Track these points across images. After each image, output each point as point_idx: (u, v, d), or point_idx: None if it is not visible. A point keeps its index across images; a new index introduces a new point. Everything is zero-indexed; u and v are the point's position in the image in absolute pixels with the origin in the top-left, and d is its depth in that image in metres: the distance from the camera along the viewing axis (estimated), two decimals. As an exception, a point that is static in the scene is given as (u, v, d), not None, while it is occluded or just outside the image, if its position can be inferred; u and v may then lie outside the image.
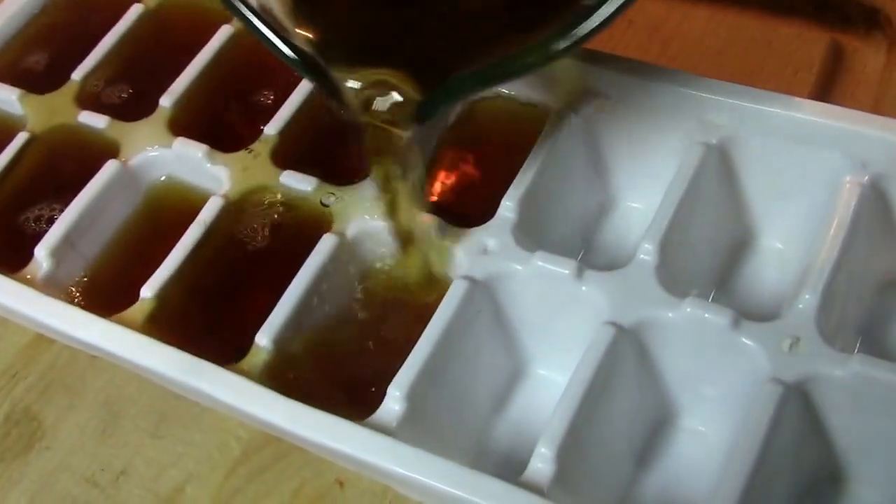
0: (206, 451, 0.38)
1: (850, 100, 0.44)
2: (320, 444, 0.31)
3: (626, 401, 0.34)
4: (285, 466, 0.37)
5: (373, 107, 0.32)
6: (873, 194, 0.35)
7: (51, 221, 0.39)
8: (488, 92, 0.39)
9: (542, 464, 0.30)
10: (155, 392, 0.39)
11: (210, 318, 0.37)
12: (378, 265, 0.37)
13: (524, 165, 0.36)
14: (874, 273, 0.36)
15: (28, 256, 0.38)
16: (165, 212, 0.40)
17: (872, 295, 0.36)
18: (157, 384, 0.39)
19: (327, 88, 0.32)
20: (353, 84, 0.32)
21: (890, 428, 0.31)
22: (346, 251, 0.36)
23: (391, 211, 0.35)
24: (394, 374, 0.32)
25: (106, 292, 0.38)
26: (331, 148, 0.40)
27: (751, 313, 0.32)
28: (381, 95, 0.32)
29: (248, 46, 0.43)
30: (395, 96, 0.32)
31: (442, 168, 0.40)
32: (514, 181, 0.36)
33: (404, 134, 0.32)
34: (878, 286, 0.37)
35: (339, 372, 0.35)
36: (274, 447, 0.38)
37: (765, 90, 0.36)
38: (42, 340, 0.41)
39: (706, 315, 0.32)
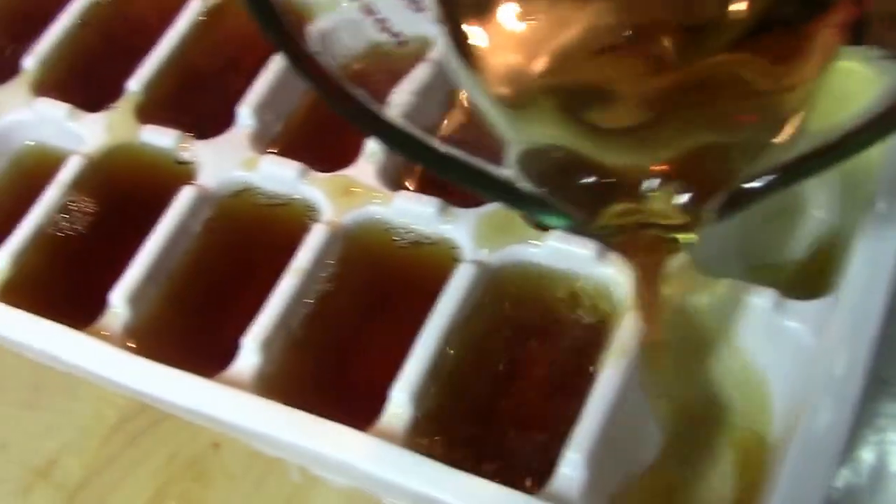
0: (82, 420, 0.37)
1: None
2: (165, 400, 0.30)
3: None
4: (161, 432, 0.36)
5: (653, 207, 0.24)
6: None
7: None
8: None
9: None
10: (32, 365, 0.38)
11: (72, 281, 0.35)
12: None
13: None
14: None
15: None
16: (30, 177, 0.38)
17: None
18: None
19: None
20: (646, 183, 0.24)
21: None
22: (207, 203, 0.35)
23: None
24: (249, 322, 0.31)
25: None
26: (199, 102, 0.39)
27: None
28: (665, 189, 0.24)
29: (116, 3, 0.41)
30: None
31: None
32: None
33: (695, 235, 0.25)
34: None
35: (198, 327, 0.34)
36: (150, 414, 0.36)
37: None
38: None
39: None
